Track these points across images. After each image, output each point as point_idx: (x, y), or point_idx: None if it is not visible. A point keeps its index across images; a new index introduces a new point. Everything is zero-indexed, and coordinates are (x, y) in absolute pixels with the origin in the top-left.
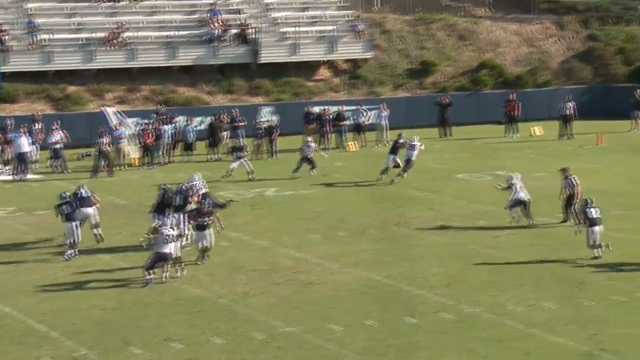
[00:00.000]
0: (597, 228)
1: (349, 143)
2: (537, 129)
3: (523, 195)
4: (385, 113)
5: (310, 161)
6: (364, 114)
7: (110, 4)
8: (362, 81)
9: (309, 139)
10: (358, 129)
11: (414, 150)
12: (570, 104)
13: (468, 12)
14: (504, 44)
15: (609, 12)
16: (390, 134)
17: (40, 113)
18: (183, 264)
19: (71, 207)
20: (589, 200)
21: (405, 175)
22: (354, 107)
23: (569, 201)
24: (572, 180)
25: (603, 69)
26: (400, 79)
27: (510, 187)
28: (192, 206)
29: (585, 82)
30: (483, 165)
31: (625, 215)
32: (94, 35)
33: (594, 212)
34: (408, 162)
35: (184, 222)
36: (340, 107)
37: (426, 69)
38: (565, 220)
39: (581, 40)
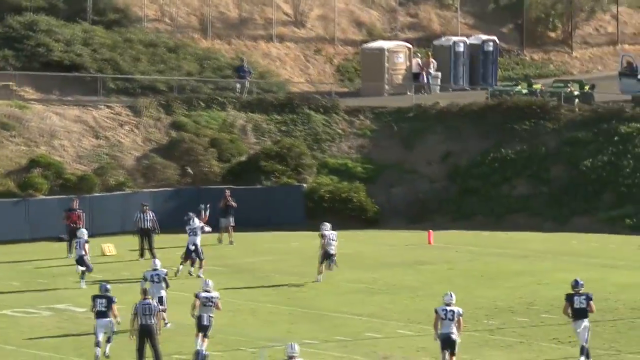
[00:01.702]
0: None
1: None
2: (108, 247)
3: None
4: None
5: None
6: None
7: None
8: None
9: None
10: None
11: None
12: (151, 213)
13: (12, 93)
14: (62, 135)
15: (199, 94)
16: None
17: None
18: None
19: None
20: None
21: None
22: None
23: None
24: None
25: (193, 166)
26: None
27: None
28: None
29: (171, 184)
30: (37, 297)
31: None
32: None
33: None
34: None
35: None
36: None
37: None
38: None
39: (164, 130)
